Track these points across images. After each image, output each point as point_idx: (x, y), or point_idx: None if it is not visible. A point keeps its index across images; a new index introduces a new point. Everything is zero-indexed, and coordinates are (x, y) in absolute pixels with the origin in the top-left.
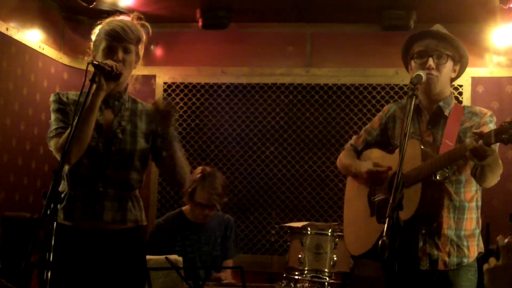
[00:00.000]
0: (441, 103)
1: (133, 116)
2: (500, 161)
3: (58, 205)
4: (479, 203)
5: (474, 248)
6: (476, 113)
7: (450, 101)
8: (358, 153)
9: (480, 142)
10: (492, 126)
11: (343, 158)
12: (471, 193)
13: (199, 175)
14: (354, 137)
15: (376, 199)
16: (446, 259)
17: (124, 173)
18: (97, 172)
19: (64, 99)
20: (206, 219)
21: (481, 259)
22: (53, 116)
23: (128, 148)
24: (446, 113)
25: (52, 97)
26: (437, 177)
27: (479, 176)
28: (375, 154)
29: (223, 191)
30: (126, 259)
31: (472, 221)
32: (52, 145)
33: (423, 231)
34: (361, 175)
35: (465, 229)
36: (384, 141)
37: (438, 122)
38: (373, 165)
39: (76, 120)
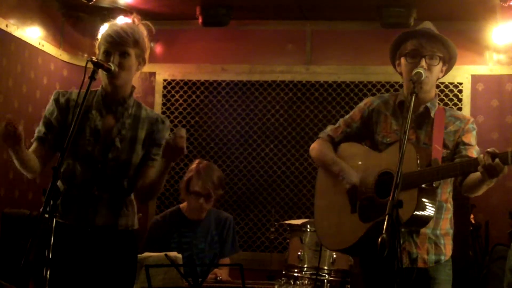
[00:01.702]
0: (428, 104)
1: (135, 123)
2: None
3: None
4: (452, 203)
5: (449, 246)
6: (459, 118)
7: (435, 103)
8: (335, 144)
9: (497, 160)
10: (474, 134)
11: (320, 150)
12: (446, 194)
13: (195, 166)
14: (331, 127)
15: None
16: (425, 256)
17: (120, 180)
18: (93, 177)
19: (62, 100)
20: (202, 212)
21: (479, 255)
22: (42, 117)
23: (125, 157)
24: (432, 114)
25: (52, 95)
26: (433, 184)
27: (471, 187)
28: (358, 150)
29: (219, 182)
30: (114, 260)
31: (447, 221)
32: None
33: (403, 230)
34: (345, 183)
35: (441, 228)
36: (364, 135)
37: (423, 122)
38: (360, 184)
39: (74, 122)
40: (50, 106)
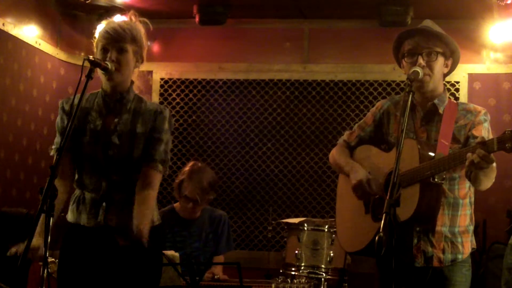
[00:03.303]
0: (435, 101)
1: (134, 117)
2: (494, 166)
3: (70, 206)
4: (472, 199)
5: (468, 244)
6: (470, 111)
7: (444, 98)
8: (351, 149)
9: (482, 152)
10: (486, 125)
11: (336, 155)
12: (464, 190)
13: (188, 168)
14: (347, 132)
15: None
16: (441, 255)
17: (127, 177)
18: (100, 178)
19: (67, 107)
20: (193, 214)
21: (476, 253)
22: (56, 130)
23: (126, 152)
24: (441, 110)
25: (59, 105)
26: (436, 179)
27: (473, 179)
28: (370, 152)
29: (209, 188)
30: (134, 260)
31: (465, 217)
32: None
33: (418, 229)
34: (352, 179)
35: (459, 225)
36: (378, 137)
37: (432, 119)
38: (366, 181)
39: (70, 123)
40: (59, 116)
